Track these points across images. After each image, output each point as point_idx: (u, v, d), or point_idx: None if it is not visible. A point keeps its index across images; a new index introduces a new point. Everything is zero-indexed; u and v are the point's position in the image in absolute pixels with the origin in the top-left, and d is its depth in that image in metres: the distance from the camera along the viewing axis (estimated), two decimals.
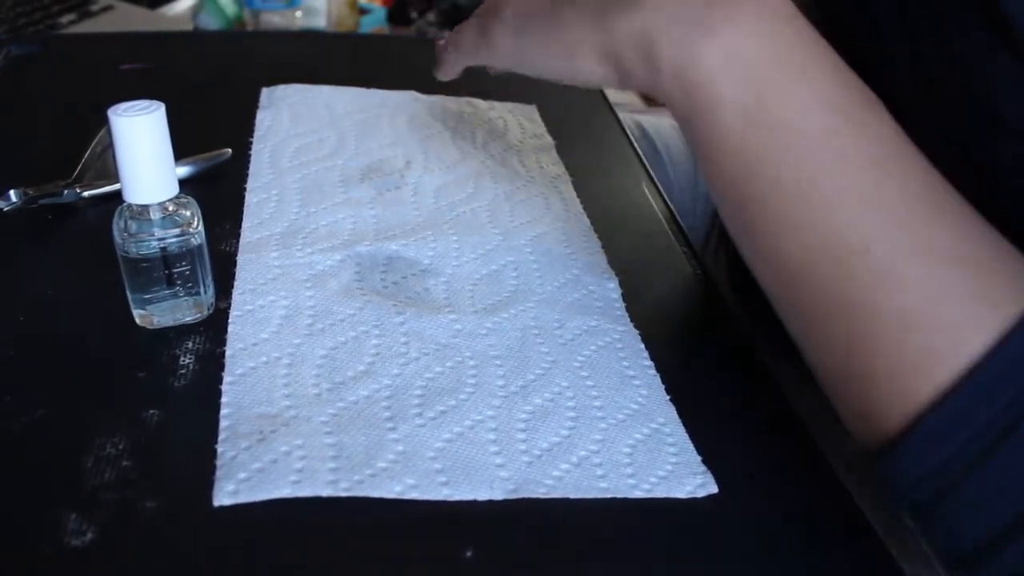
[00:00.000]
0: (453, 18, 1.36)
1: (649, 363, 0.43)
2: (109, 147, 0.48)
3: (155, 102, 0.38)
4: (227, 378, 0.39)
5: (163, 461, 0.35)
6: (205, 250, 0.41)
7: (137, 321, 0.41)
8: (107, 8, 1.10)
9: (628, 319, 0.46)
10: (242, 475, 0.34)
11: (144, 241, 0.39)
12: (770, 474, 0.39)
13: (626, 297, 0.48)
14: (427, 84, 0.68)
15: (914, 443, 0.30)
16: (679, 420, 0.40)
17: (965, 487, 0.29)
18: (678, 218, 0.57)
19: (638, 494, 0.36)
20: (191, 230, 0.40)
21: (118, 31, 0.90)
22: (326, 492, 0.34)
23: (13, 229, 0.48)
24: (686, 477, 0.37)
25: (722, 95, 0.32)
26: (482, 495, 0.35)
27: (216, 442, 0.36)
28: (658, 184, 0.61)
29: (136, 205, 0.39)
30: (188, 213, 0.40)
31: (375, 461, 0.36)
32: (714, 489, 0.37)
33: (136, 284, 0.40)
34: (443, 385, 0.40)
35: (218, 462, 0.35)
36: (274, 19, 1.11)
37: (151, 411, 0.37)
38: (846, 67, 0.33)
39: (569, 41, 0.36)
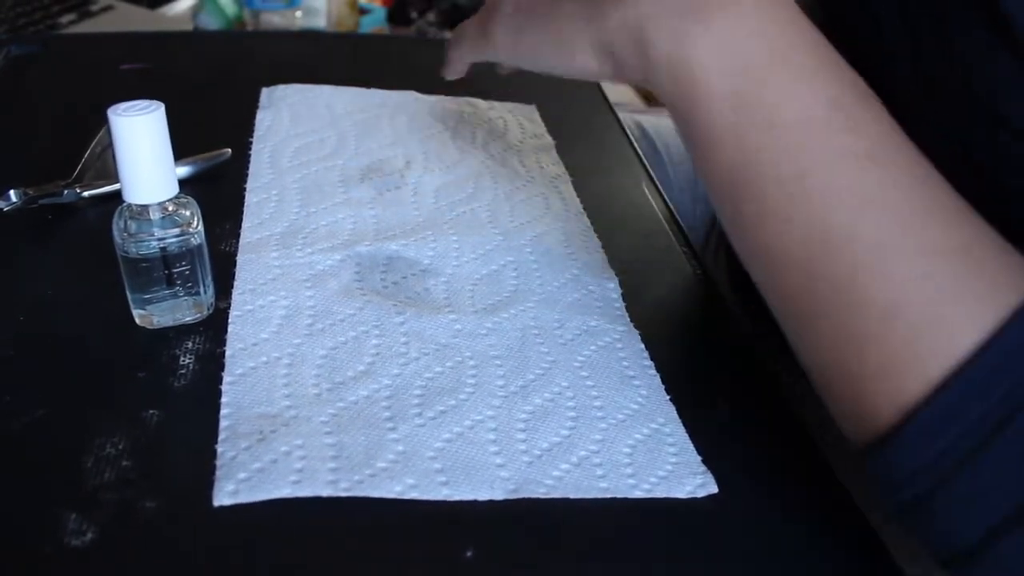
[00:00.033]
0: (453, 18, 1.36)
1: (649, 363, 0.43)
2: (109, 147, 0.48)
3: (155, 102, 0.38)
4: (227, 378, 0.39)
5: (163, 461, 0.35)
6: (205, 250, 0.41)
7: (137, 321, 0.41)
8: (107, 8, 1.10)
9: (628, 319, 0.47)
10: (242, 475, 0.34)
11: (144, 241, 0.39)
12: (770, 474, 0.39)
13: (626, 297, 0.48)
14: (427, 84, 0.69)
15: (907, 437, 0.30)
16: (679, 420, 0.40)
17: (959, 481, 0.29)
18: (678, 218, 0.57)
19: (638, 494, 0.36)
20: (191, 230, 0.40)
21: (118, 31, 0.90)
22: (326, 492, 0.34)
23: (13, 229, 0.48)
24: (686, 477, 0.37)
25: (713, 87, 0.32)
26: (482, 495, 0.35)
27: (216, 442, 0.36)
28: (658, 184, 0.61)
29: (136, 205, 0.39)
30: (188, 213, 0.40)
31: (375, 461, 0.36)
32: (714, 489, 0.37)
33: (136, 284, 0.40)
34: (443, 385, 0.40)
35: (218, 462, 0.35)
36: (274, 19, 1.11)
37: (151, 411, 0.37)
38: (841, 61, 0.33)
39: (566, 35, 0.37)
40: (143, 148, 0.37)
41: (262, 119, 0.61)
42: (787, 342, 0.35)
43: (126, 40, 0.77)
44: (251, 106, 0.63)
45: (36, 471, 0.34)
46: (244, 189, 0.53)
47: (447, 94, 0.68)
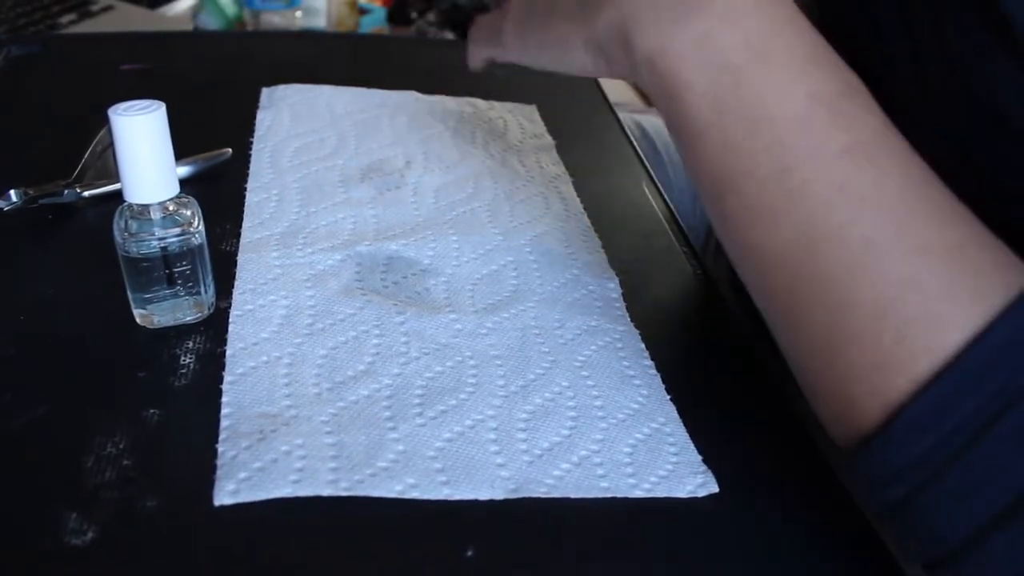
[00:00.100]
0: (453, 18, 1.35)
1: (649, 363, 0.44)
2: (109, 147, 0.48)
3: (155, 102, 0.38)
4: (228, 377, 0.39)
5: (163, 460, 0.35)
6: (205, 250, 0.41)
7: (137, 321, 0.41)
8: (107, 8, 1.10)
9: (628, 319, 0.47)
10: (242, 474, 0.34)
11: (144, 241, 0.39)
12: (770, 474, 0.39)
13: (626, 297, 0.48)
14: (427, 84, 0.69)
15: (896, 432, 0.30)
16: (679, 420, 0.40)
17: (949, 477, 0.29)
18: (678, 218, 0.57)
19: (638, 493, 0.36)
20: (191, 230, 0.40)
21: (118, 31, 0.90)
22: (326, 492, 0.34)
23: (13, 229, 0.48)
24: (686, 476, 0.37)
25: (693, 83, 0.32)
26: (483, 495, 0.35)
27: (216, 441, 0.36)
28: (658, 184, 0.61)
29: (137, 205, 0.39)
30: (188, 213, 0.40)
31: (375, 460, 0.36)
32: (715, 488, 0.37)
33: (136, 284, 0.40)
34: (443, 385, 0.40)
35: (219, 461, 0.35)
36: (274, 19, 1.11)
37: (151, 410, 0.37)
38: (833, 58, 0.33)
39: (561, 34, 0.39)
40: (144, 148, 0.37)
41: (262, 119, 0.61)
42: None
43: (126, 40, 0.77)
44: (251, 106, 0.63)
45: (37, 470, 0.34)
46: (244, 189, 0.53)
47: (447, 94, 0.68)
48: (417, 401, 0.39)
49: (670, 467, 0.38)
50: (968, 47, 0.35)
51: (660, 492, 0.36)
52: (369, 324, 0.43)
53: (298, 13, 1.12)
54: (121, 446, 0.35)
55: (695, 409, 0.41)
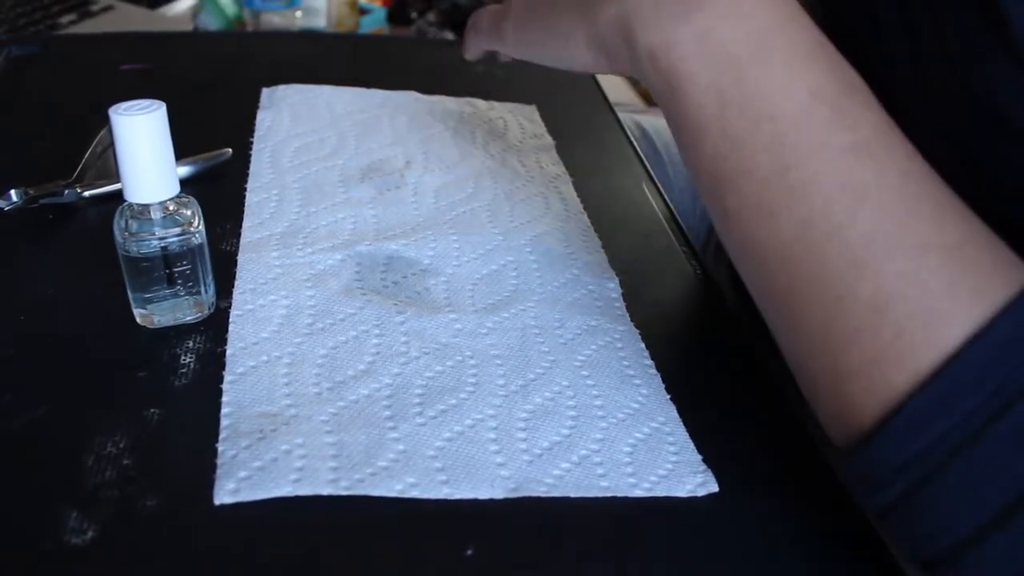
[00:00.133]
0: (453, 18, 1.36)
1: (649, 362, 0.44)
2: (110, 147, 0.48)
3: (156, 101, 0.38)
4: (228, 377, 0.39)
5: (164, 460, 0.35)
6: (206, 249, 0.41)
7: (138, 320, 0.41)
8: (107, 8, 1.10)
9: (628, 319, 0.47)
10: (243, 474, 0.34)
11: (145, 240, 0.39)
12: (770, 474, 0.39)
13: (626, 297, 0.48)
14: (427, 84, 0.69)
15: (894, 430, 0.29)
16: (679, 419, 0.40)
17: (948, 475, 0.28)
18: (678, 218, 0.57)
19: (638, 493, 0.36)
20: (192, 229, 0.40)
21: (118, 31, 0.90)
22: (327, 491, 0.34)
23: (13, 229, 0.48)
24: (686, 476, 0.37)
25: (694, 79, 0.32)
26: (483, 494, 0.35)
27: (217, 441, 0.36)
28: (658, 184, 0.61)
29: (137, 204, 0.39)
30: (189, 212, 0.40)
31: (375, 460, 0.36)
32: (715, 488, 0.37)
33: (137, 283, 0.40)
34: (443, 384, 0.40)
35: (219, 461, 0.35)
36: (274, 19, 1.11)
37: (152, 410, 0.37)
38: (835, 56, 0.33)
39: (563, 30, 0.38)
40: (144, 147, 0.37)
41: (262, 119, 0.61)
42: None
43: (126, 40, 0.77)
44: (251, 106, 0.63)
45: (37, 470, 0.34)
46: (245, 189, 0.53)
47: (447, 94, 0.68)
48: (417, 400, 0.39)
49: (670, 466, 0.38)
50: (968, 47, 0.35)
51: (660, 491, 0.36)
52: (369, 324, 0.43)
53: (298, 13, 1.12)
54: (121, 445, 0.35)
55: (695, 409, 0.41)
